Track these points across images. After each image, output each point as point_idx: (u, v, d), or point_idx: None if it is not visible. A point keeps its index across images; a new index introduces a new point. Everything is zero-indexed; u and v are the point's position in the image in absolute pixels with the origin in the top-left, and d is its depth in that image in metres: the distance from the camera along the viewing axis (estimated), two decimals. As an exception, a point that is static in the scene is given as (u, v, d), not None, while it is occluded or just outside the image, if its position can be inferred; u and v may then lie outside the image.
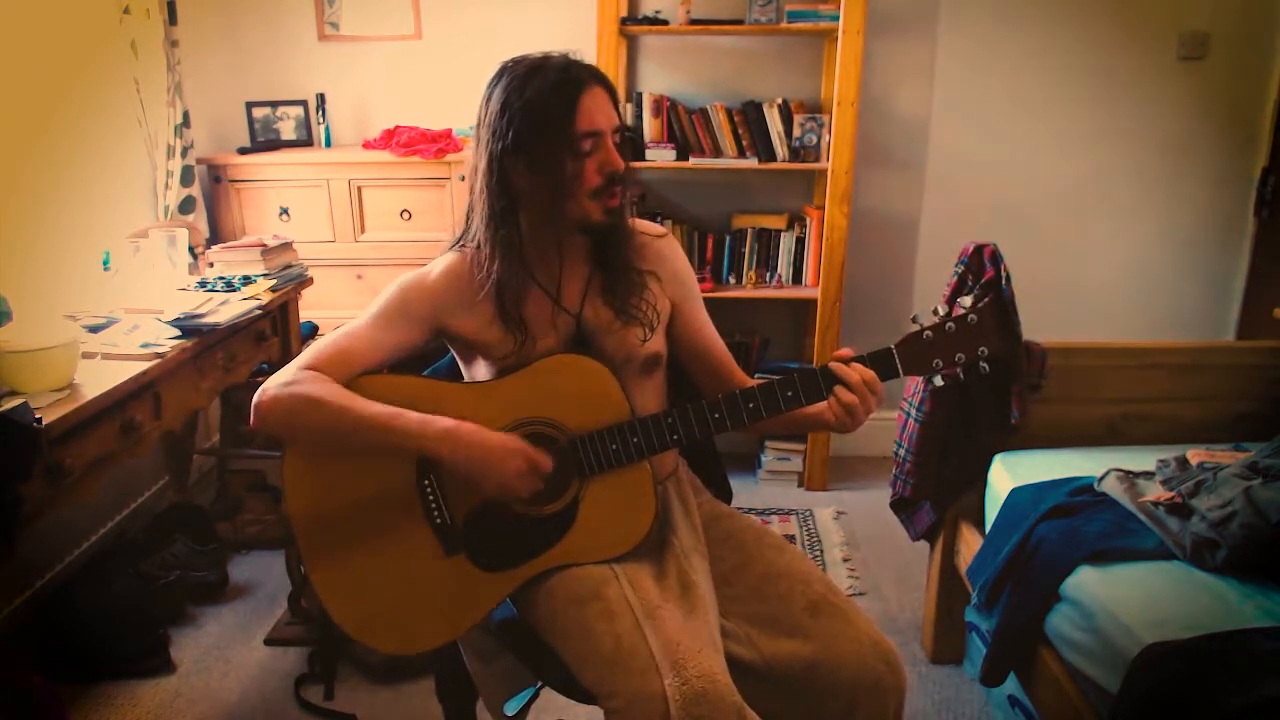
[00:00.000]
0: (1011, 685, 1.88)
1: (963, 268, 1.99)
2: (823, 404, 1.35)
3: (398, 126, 3.14)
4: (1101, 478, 1.87)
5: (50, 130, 2.48)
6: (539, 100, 1.33)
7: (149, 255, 2.41)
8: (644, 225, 1.55)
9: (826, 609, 1.37)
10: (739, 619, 1.39)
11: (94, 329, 2.03)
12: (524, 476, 1.33)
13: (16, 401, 1.58)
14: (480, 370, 1.48)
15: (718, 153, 3.11)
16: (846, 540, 2.90)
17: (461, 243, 1.48)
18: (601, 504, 1.40)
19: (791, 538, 2.90)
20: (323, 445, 1.39)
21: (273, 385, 1.35)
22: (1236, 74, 3.17)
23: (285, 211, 3.08)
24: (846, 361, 1.33)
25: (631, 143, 3.03)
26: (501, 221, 1.39)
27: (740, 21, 3.02)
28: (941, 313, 1.34)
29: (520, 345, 1.42)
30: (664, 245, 1.55)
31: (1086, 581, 1.63)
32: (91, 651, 2.23)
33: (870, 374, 1.32)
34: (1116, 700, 1.44)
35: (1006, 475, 2.04)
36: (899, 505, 2.26)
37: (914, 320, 1.34)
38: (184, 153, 2.86)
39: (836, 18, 2.90)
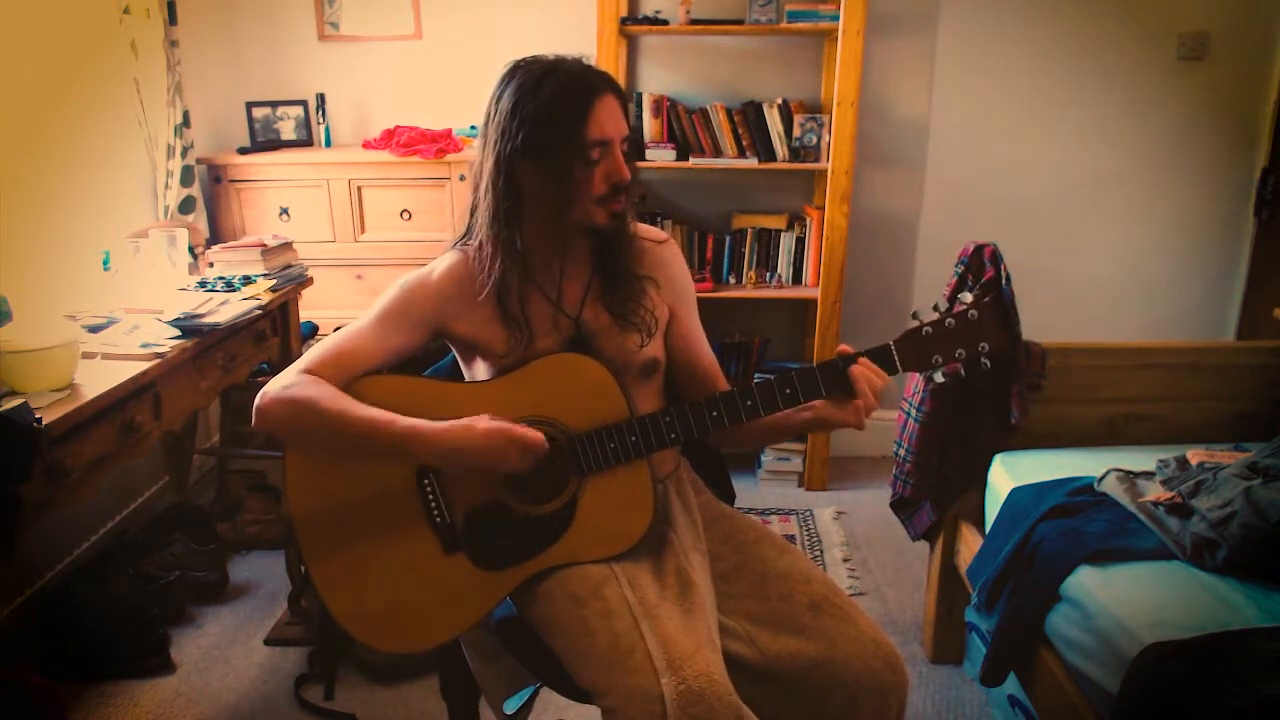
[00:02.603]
0: (1011, 685, 1.87)
1: (963, 267, 1.99)
2: (820, 403, 1.35)
3: (398, 126, 3.14)
4: (1101, 478, 1.87)
5: (50, 130, 2.48)
6: (552, 104, 1.33)
7: (149, 255, 2.41)
8: (645, 230, 1.55)
9: (829, 609, 1.37)
10: (740, 617, 1.39)
11: (94, 329, 2.03)
12: (522, 459, 1.32)
13: (16, 401, 1.57)
14: (480, 370, 1.48)
15: (718, 153, 3.11)
16: (846, 540, 2.90)
17: (463, 242, 1.48)
18: (600, 503, 1.40)
19: (791, 538, 2.90)
20: (321, 448, 1.40)
21: (273, 388, 1.36)
22: (1236, 74, 3.17)
23: (285, 211, 3.08)
24: (852, 359, 1.33)
25: (634, 144, 3.05)
26: (505, 222, 1.39)
27: (740, 21, 3.02)
28: (941, 309, 1.34)
29: (520, 344, 1.42)
30: (665, 251, 1.55)
31: (1086, 581, 1.63)
32: (91, 651, 2.23)
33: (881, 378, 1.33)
34: (1116, 700, 1.44)
35: (1006, 475, 2.04)
36: (899, 505, 2.26)
37: (914, 317, 1.34)
38: (184, 153, 2.86)
39: (836, 18, 2.90)
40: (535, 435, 1.32)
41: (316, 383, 1.35)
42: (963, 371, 1.35)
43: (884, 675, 1.32)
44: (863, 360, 1.33)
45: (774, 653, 1.34)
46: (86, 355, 1.87)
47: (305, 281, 2.63)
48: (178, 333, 2.04)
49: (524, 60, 1.39)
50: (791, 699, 1.33)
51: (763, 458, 3.31)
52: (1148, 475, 1.87)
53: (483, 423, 1.32)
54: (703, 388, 1.55)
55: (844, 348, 1.35)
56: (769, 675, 1.34)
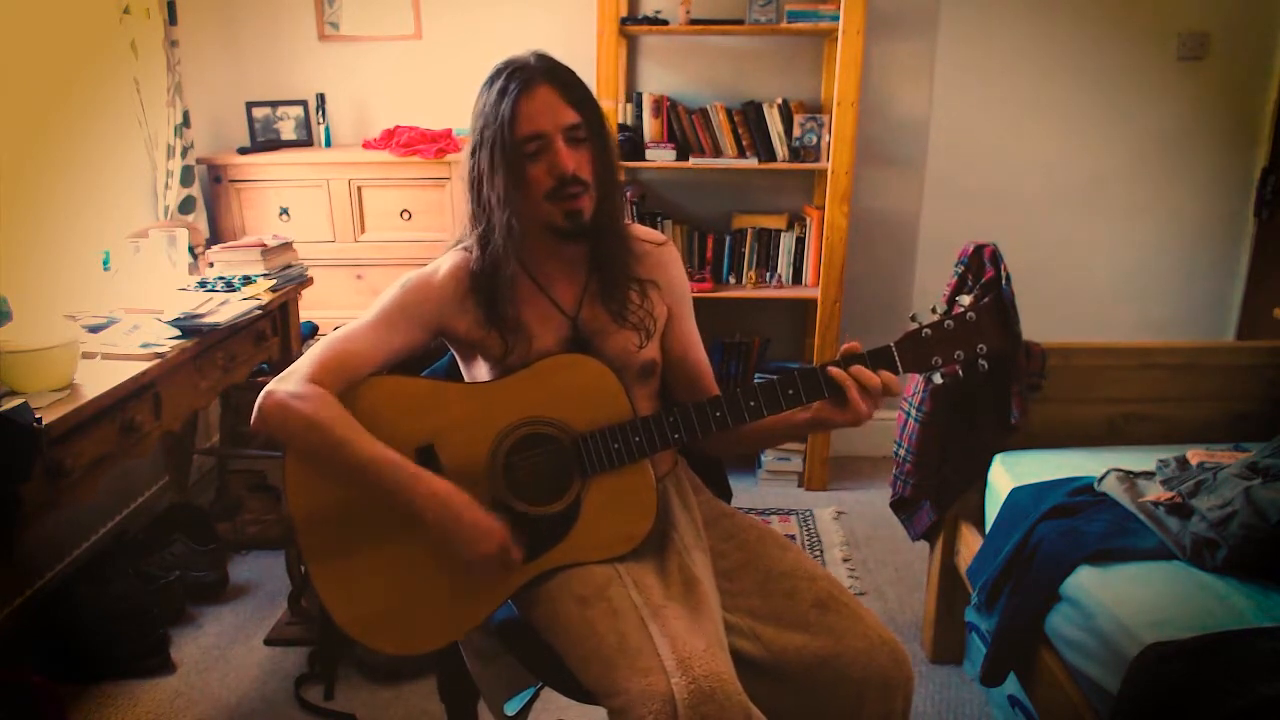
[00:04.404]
0: (1011, 685, 1.88)
1: (963, 268, 1.99)
2: (819, 403, 1.35)
3: (398, 126, 3.14)
4: (1101, 478, 1.87)
5: (50, 130, 2.48)
6: (490, 107, 1.36)
7: (149, 255, 2.41)
8: (644, 232, 1.56)
9: (834, 605, 1.37)
10: (744, 614, 1.40)
11: (94, 329, 2.03)
12: (491, 562, 1.33)
13: (16, 401, 1.57)
14: (480, 371, 1.48)
15: (718, 153, 3.11)
16: (846, 540, 2.90)
17: (464, 243, 1.48)
18: (603, 504, 1.40)
19: (792, 538, 2.89)
20: (318, 465, 1.38)
21: (279, 391, 1.34)
22: (1236, 74, 3.17)
23: (285, 211, 3.08)
24: (853, 360, 1.33)
25: (630, 142, 3.05)
26: (478, 221, 1.41)
27: (740, 21, 3.02)
28: (940, 311, 1.34)
29: (510, 345, 1.42)
30: (664, 253, 1.55)
31: (1086, 581, 1.63)
32: (91, 651, 2.23)
33: (888, 378, 1.31)
34: (1116, 700, 1.44)
35: (1006, 475, 2.04)
36: (899, 505, 2.26)
37: (913, 319, 1.34)
38: (184, 153, 2.86)
39: (836, 18, 2.90)
40: (517, 551, 1.34)
41: (328, 401, 1.33)
42: (961, 373, 1.35)
43: (890, 671, 1.33)
44: (853, 370, 1.32)
45: (779, 649, 1.34)
46: (86, 355, 1.87)
47: (305, 281, 2.63)
48: (178, 333, 2.04)
49: (498, 63, 1.40)
50: (797, 695, 1.33)
51: (763, 458, 3.31)
52: (1148, 475, 1.87)
53: (485, 514, 1.32)
54: (697, 390, 1.55)
55: (851, 345, 1.34)
56: (774, 672, 1.34)
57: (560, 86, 1.36)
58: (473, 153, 1.40)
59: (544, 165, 1.36)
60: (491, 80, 1.38)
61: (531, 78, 1.35)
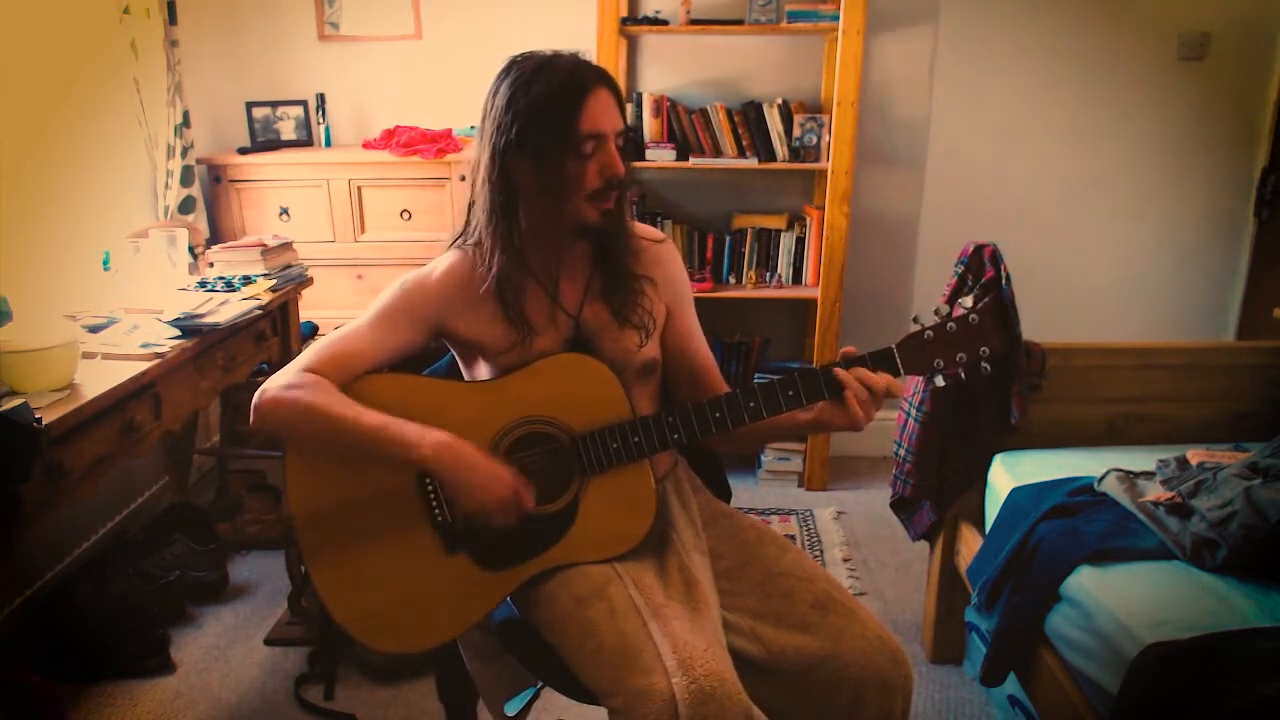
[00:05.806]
0: (1011, 685, 1.88)
1: (963, 268, 1.99)
2: (820, 404, 1.35)
3: (398, 126, 3.14)
4: (1101, 478, 1.87)
5: (50, 130, 2.48)
6: (544, 99, 1.33)
7: (149, 255, 2.41)
8: (643, 230, 1.55)
9: (833, 605, 1.37)
10: (743, 614, 1.40)
11: (94, 329, 2.03)
12: (506, 506, 1.33)
13: (16, 401, 1.57)
14: (481, 371, 1.48)
15: (718, 153, 3.11)
16: (846, 540, 2.90)
17: (461, 240, 1.48)
18: (602, 503, 1.40)
19: (792, 538, 2.90)
20: (321, 451, 1.39)
21: (273, 386, 1.35)
22: (1236, 74, 3.17)
23: (285, 211, 3.08)
24: (853, 361, 1.33)
25: (633, 143, 3.05)
26: (502, 216, 1.39)
27: (740, 21, 3.02)
28: (942, 313, 1.34)
29: (522, 342, 1.42)
30: (662, 250, 1.55)
31: (1086, 581, 1.63)
32: (91, 651, 2.23)
33: (889, 380, 1.31)
34: (1116, 700, 1.44)
35: (1006, 475, 2.04)
36: (899, 505, 2.26)
37: (915, 320, 1.34)
38: (184, 153, 2.86)
39: (836, 18, 2.90)
40: (528, 497, 1.34)
41: (321, 385, 1.34)
42: (963, 375, 1.35)
43: (888, 671, 1.33)
44: (857, 371, 1.32)
45: (779, 649, 1.34)
46: (86, 355, 1.87)
47: (305, 281, 2.63)
48: (178, 333, 2.04)
49: (520, 56, 1.39)
50: (796, 696, 1.34)
51: (763, 458, 3.31)
52: (1148, 475, 1.87)
53: (495, 461, 1.33)
54: (701, 387, 1.55)
55: (848, 350, 1.34)
56: (774, 672, 1.34)
57: (614, 92, 1.37)
58: (507, 146, 1.35)
59: (595, 165, 1.36)
60: (536, 73, 1.34)
61: (592, 79, 1.35)
